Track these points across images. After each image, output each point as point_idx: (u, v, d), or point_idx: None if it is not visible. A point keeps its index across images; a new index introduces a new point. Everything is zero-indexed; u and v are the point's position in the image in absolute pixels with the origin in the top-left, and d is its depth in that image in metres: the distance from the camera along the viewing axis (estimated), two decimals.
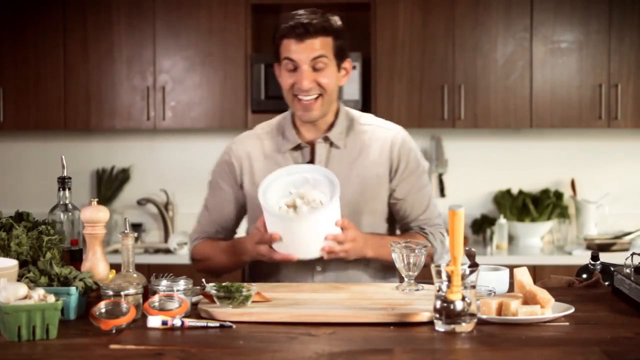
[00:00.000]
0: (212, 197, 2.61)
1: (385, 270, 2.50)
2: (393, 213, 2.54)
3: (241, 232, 2.67)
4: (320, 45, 2.38)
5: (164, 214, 5.06)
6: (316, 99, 2.41)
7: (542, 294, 1.92)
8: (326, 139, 2.47)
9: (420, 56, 4.65)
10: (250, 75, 4.75)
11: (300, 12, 2.43)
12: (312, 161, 2.46)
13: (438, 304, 1.79)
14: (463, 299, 1.78)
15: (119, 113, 4.83)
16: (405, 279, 2.18)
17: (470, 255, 2.13)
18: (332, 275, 2.44)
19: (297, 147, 2.48)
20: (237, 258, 2.45)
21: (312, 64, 2.38)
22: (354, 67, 4.68)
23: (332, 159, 2.46)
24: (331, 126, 2.49)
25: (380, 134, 2.50)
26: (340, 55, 2.44)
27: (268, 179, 2.31)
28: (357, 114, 2.56)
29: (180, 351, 1.67)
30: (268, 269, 2.47)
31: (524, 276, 1.98)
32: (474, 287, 1.80)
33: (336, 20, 2.44)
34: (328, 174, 2.28)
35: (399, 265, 2.17)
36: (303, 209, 2.23)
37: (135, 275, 2.05)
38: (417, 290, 2.15)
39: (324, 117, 2.46)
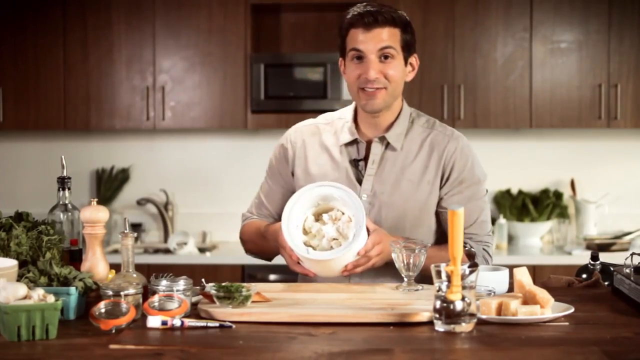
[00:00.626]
0: (266, 180, 2.58)
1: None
2: (442, 224, 2.44)
3: None
4: (388, 36, 2.34)
5: (163, 214, 5.06)
6: (380, 89, 2.36)
7: (542, 294, 1.92)
8: (383, 139, 2.42)
9: (420, 56, 4.61)
10: (250, 75, 4.75)
11: (364, 3, 2.39)
12: (365, 158, 2.42)
13: (438, 304, 1.79)
14: (463, 299, 1.78)
15: (119, 113, 4.83)
16: (405, 279, 2.18)
17: (470, 255, 2.13)
18: (370, 275, 2.38)
19: (353, 142, 2.44)
20: (274, 244, 2.37)
21: (380, 54, 2.34)
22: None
23: (385, 159, 2.41)
24: (391, 125, 2.43)
25: (439, 139, 2.44)
26: (407, 49, 2.40)
27: (293, 199, 2.26)
28: (418, 115, 2.50)
29: (180, 351, 1.67)
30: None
31: (523, 276, 1.98)
32: (473, 287, 1.80)
33: (404, 14, 2.41)
34: (356, 201, 2.20)
35: (398, 265, 2.17)
36: (324, 244, 2.21)
37: (135, 275, 2.05)
38: (417, 290, 2.15)
39: (387, 109, 2.40)
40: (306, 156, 2.48)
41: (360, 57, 2.36)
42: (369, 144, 2.44)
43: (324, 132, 2.50)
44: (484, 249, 2.46)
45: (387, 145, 2.42)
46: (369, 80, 2.34)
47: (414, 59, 2.45)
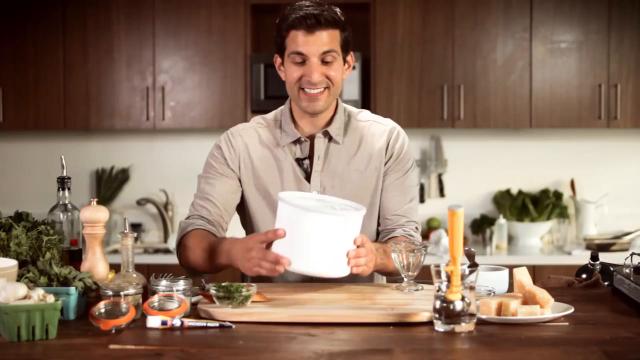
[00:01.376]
0: (205, 181, 2.48)
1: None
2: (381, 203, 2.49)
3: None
4: (329, 39, 2.35)
5: (163, 214, 5.06)
6: (322, 91, 2.38)
7: (542, 294, 1.92)
8: (326, 133, 2.45)
9: (419, 56, 4.65)
10: (249, 75, 4.75)
11: (305, 3, 2.38)
12: (310, 155, 2.45)
13: (437, 304, 1.79)
14: (462, 299, 1.78)
15: (119, 113, 4.83)
16: (405, 279, 2.18)
17: (470, 256, 2.13)
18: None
19: (297, 141, 2.46)
20: (225, 259, 2.25)
21: (322, 57, 2.36)
22: (353, 68, 4.69)
23: (330, 154, 2.45)
24: (330, 121, 2.47)
25: (377, 129, 2.50)
26: (345, 49, 2.42)
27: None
28: (354, 110, 2.55)
29: (179, 351, 1.67)
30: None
31: (523, 276, 1.98)
32: (473, 287, 1.80)
33: (342, 13, 2.41)
34: (349, 202, 2.18)
35: (398, 265, 2.17)
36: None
37: (134, 275, 2.04)
38: (417, 290, 2.16)
39: (327, 109, 2.44)
40: (250, 157, 2.46)
41: (302, 60, 2.37)
42: (311, 140, 2.47)
43: (263, 135, 2.49)
44: (415, 230, 2.48)
45: (330, 139, 2.46)
46: (312, 83, 2.36)
47: (350, 57, 2.46)
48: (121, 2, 4.81)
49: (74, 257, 2.22)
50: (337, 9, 2.40)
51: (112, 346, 1.70)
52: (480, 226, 4.86)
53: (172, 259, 4.65)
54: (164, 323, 1.84)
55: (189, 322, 1.86)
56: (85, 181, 5.17)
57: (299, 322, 1.88)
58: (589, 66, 4.69)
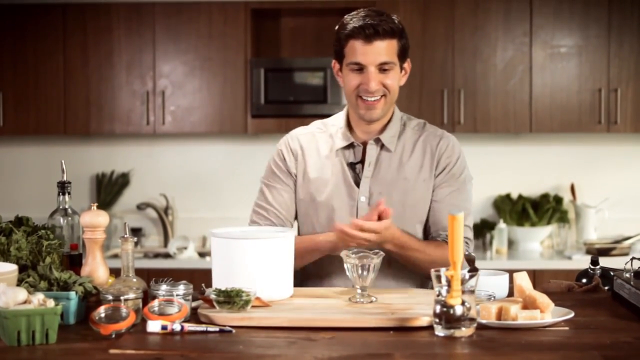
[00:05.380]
0: (267, 187, 2.53)
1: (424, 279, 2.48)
2: (429, 216, 2.50)
3: None
4: (387, 49, 2.38)
5: (163, 218, 5.06)
6: (379, 99, 2.41)
7: (542, 298, 1.92)
8: (378, 140, 2.47)
9: (419, 61, 4.65)
10: (250, 80, 4.76)
11: (364, 12, 2.41)
12: (362, 161, 2.47)
13: (438, 308, 1.79)
14: (463, 303, 1.78)
15: (119, 118, 4.83)
16: (359, 290, 2.11)
17: (470, 260, 2.13)
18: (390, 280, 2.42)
19: (350, 146, 2.49)
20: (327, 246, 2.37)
21: (379, 66, 2.38)
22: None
23: (381, 161, 2.46)
24: (384, 128, 2.49)
25: (431, 139, 2.50)
26: (403, 57, 2.44)
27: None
28: (411, 118, 2.56)
29: (179, 356, 1.67)
30: (322, 271, 2.45)
31: (523, 281, 1.98)
32: (473, 291, 1.80)
33: (399, 20, 2.43)
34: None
35: (351, 275, 2.11)
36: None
37: (134, 279, 2.04)
38: (371, 302, 2.09)
39: (383, 117, 2.46)
40: (305, 162, 2.51)
41: (359, 68, 2.39)
42: (364, 146, 2.49)
43: (320, 139, 2.53)
44: (467, 243, 2.47)
45: (382, 146, 2.48)
46: (369, 92, 2.39)
47: (407, 64, 2.49)
48: (121, 7, 4.81)
49: (74, 261, 2.22)
50: (395, 17, 2.42)
51: (112, 351, 1.70)
52: (481, 231, 4.86)
53: (172, 264, 4.66)
54: (164, 328, 1.84)
55: (189, 326, 1.85)
56: (86, 186, 5.17)
57: (299, 326, 1.88)
58: (589, 71, 4.70)
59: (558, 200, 4.94)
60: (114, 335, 1.81)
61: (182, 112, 4.82)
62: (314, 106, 4.72)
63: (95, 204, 2.19)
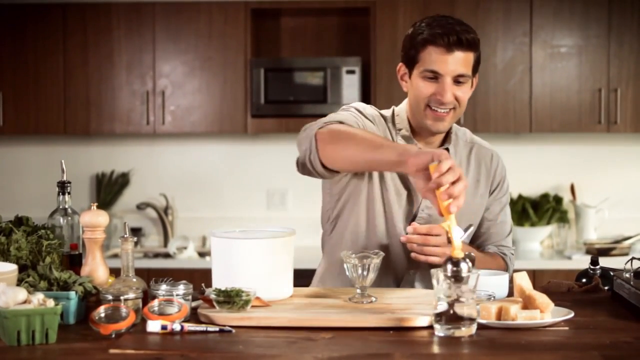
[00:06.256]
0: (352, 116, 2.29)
1: None
2: (477, 231, 2.47)
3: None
4: (465, 60, 2.26)
5: (163, 218, 5.06)
6: (449, 111, 2.29)
7: (542, 298, 1.92)
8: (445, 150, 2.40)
9: None
10: (250, 80, 4.76)
11: (444, 18, 2.30)
12: None
13: (438, 308, 1.79)
14: (464, 259, 1.78)
15: (119, 117, 4.83)
16: (358, 290, 2.11)
17: (471, 260, 2.12)
18: (422, 277, 2.38)
19: None
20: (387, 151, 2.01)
21: (455, 78, 2.27)
22: (353, 72, 4.70)
23: None
24: (444, 139, 2.40)
25: (482, 153, 2.46)
26: (476, 70, 2.33)
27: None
28: (458, 128, 2.47)
29: (179, 356, 1.67)
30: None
31: (523, 280, 1.98)
32: (473, 291, 1.80)
33: (475, 32, 2.33)
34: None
35: (351, 275, 2.10)
36: None
37: (134, 279, 2.04)
38: (371, 302, 2.08)
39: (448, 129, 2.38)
40: None
41: (434, 77, 2.28)
42: None
43: (386, 129, 2.39)
44: (513, 262, 2.53)
45: None
46: (442, 103, 2.27)
47: (476, 78, 2.38)
48: (121, 7, 4.81)
49: (74, 261, 2.22)
50: (474, 30, 2.31)
51: (112, 351, 1.70)
52: None
53: (172, 264, 4.66)
54: (164, 327, 1.84)
55: (189, 326, 1.85)
56: (86, 185, 5.17)
57: (299, 326, 1.88)
58: (588, 71, 4.70)
59: (558, 200, 4.94)
60: (113, 335, 1.81)
61: (182, 112, 4.82)
62: (314, 106, 4.72)
63: (95, 204, 2.19)
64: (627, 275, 2.13)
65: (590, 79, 4.70)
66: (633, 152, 5.04)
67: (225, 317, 1.91)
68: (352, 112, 2.34)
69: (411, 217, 2.36)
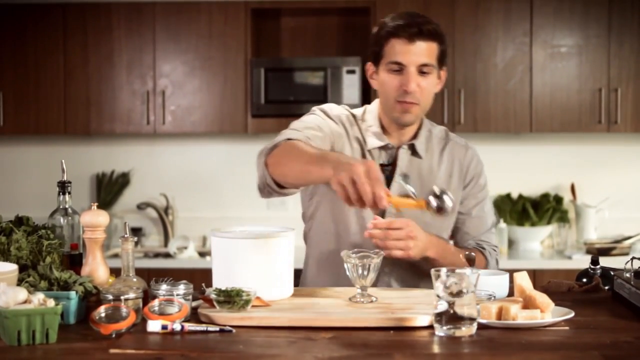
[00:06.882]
0: (306, 128, 2.33)
1: None
2: (454, 228, 2.51)
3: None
4: (428, 50, 2.31)
5: (163, 218, 5.06)
6: (415, 104, 2.35)
7: (542, 298, 1.92)
8: (411, 146, 2.43)
9: None
10: (250, 80, 4.76)
11: (405, 13, 2.35)
12: (393, 165, 2.41)
13: (438, 308, 1.79)
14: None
15: (119, 117, 4.83)
16: (358, 290, 2.11)
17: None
18: (399, 277, 2.39)
19: (382, 148, 2.42)
20: (320, 166, 2.02)
21: (419, 68, 2.32)
22: (353, 72, 4.70)
23: (412, 167, 2.43)
24: (415, 134, 2.46)
25: (457, 149, 2.50)
26: (441, 62, 2.38)
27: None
28: (433, 125, 2.54)
29: (180, 356, 1.67)
30: (334, 268, 2.39)
31: (523, 280, 1.98)
32: (473, 291, 1.80)
33: (440, 26, 2.38)
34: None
35: (351, 275, 2.10)
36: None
37: (135, 279, 2.04)
38: (371, 302, 2.08)
39: (415, 122, 2.43)
40: (343, 143, 2.41)
41: (399, 69, 2.33)
42: (395, 150, 2.44)
43: (355, 127, 2.44)
44: (495, 251, 2.54)
45: (413, 153, 2.44)
46: (407, 93, 2.32)
47: (443, 72, 2.43)
48: (122, 7, 4.81)
49: (75, 261, 2.22)
50: (436, 23, 2.36)
51: (112, 350, 1.70)
52: None
53: (173, 263, 4.66)
54: (164, 327, 1.84)
55: (190, 326, 1.85)
56: (86, 185, 5.17)
57: (299, 326, 1.88)
58: (589, 70, 4.70)
59: (558, 200, 4.94)
60: (114, 335, 1.81)
61: (182, 112, 4.82)
62: (314, 106, 4.70)
63: (96, 204, 2.19)
64: (628, 275, 2.13)
65: (591, 79, 4.70)
66: (633, 152, 5.04)
67: (225, 317, 1.91)
68: (316, 114, 2.44)
69: (380, 214, 2.36)
